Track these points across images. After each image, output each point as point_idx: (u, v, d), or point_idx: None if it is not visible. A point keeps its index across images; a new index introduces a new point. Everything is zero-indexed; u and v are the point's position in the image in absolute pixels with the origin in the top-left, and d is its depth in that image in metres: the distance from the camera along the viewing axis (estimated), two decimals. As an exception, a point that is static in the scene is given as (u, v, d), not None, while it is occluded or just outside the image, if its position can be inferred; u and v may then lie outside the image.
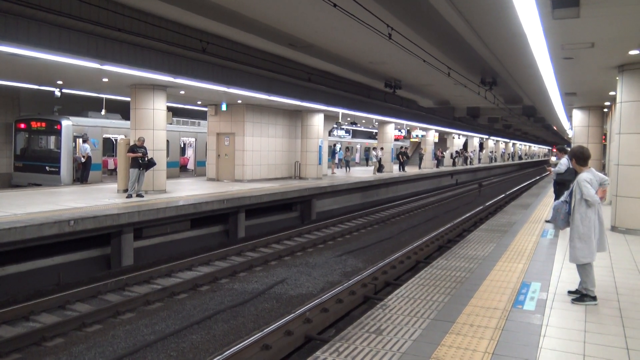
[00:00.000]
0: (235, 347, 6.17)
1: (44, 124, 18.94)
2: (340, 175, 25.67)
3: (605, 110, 18.40)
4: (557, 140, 52.17)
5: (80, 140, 18.75)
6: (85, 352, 6.74)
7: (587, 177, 5.80)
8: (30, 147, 19.55)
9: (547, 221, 12.07)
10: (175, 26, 11.02)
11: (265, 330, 6.75)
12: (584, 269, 5.82)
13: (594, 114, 18.32)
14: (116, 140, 20.41)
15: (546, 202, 16.59)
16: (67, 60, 10.20)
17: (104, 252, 11.23)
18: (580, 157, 5.99)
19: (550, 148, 61.83)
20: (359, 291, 8.97)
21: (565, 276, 7.02)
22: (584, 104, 17.65)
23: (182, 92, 16.28)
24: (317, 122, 22.16)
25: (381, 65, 15.58)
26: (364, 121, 29.68)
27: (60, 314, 8.15)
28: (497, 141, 59.08)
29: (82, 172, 18.44)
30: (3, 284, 9.25)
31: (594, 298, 5.82)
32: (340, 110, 21.57)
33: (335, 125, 25.11)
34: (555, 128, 33.98)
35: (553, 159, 52.54)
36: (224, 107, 19.46)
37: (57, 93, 16.38)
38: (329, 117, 24.26)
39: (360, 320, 5.25)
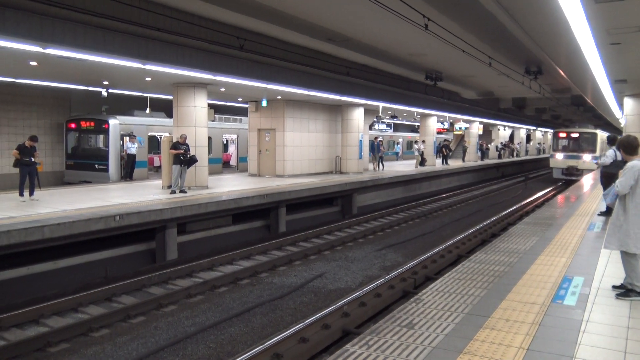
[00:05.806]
0: (273, 340, 6.26)
1: (92, 124, 19.63)
2: (381, 170, 25.50)
3: (660, 97, 17.52)
4: (610, 130, 49.45)
5: (127, 138, 19.37)
6: (129, 343, 7.00)
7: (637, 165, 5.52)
8: (81, 146, 20.30)
9: (599, 214, 11.62)
10: (213, 24, 11.20)
11: (302, 324, 6.82)
12: (629, 262, 5.59)
13: (647, 102, 17.49)
14: (161, 137, 20.96)
15: (595, 195, 15.97)
16: (111, 61, 10.56)
17: (149, 247, 11.59)
18: (628, 147, 5.74)
19: (554, 131, 31.72)
20: (398, 285, 8.92)
21: (611, 271, 6.76)
22: (636, 91, 16.85)
23: (223, 90, 16.55)
24: (357, 116, 22.07)
25: (421, 57, 15.33)
26: (405, 114, 29.31)
27: (106, 305, 8.49)
28: (545, 132, 57.19)
29: (126, 170, 19.06)
30: (55, 277, 9.69)
31: (640, 293, 5.58)
32: (381, 104, 21.42)
33: (375, 119, 24.90)
34: (606, 117, 32.52)
35: (558, 156, 29.60)
36: (264, 104, 19.67)
37: (104, 93, 16.96)
38: (369, 111, 24.12)
39: (393, 314, 5.22)
